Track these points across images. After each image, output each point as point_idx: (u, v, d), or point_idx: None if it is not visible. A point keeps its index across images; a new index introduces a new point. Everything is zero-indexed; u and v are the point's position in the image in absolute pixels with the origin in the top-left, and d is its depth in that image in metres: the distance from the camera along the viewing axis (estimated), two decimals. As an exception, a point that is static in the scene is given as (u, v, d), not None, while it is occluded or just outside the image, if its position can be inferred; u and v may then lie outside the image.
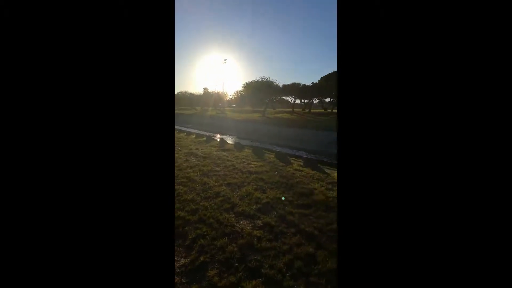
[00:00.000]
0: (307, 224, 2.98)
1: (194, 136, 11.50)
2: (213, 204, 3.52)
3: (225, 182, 4.52)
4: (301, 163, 6.21)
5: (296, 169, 5.53)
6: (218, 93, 40.03)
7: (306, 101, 32.36)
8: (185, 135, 11.77)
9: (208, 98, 39.72)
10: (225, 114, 31.26)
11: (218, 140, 9.95)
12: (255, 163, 6.01)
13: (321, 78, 29.80)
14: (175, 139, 9.93)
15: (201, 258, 2.33)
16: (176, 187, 4.20)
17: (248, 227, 2.91)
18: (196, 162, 6.01)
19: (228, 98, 40.51)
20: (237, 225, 2.97)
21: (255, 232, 2.78)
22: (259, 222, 3.04)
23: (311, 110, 32.11)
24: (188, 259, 2.33)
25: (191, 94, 44.91)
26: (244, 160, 6.33)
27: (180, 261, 2.33)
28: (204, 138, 10.43)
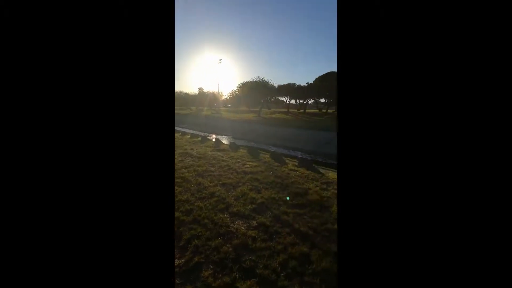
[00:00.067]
0: (301, 224, 2.99)
1: (189, 136, 11.44)
2: (207, 205, 3.51)
3: (220, 182, 4.51)
4: (296, 163, 6.23)
5: (291, 169, 5.55)
6: (213, 93, 39.93)
7: (301, 101, 32.51)
8: (180, 135, 11.70)
9: (203, 98, 39.58)
10: (220, 114, 31.17)
11: (213, 140, 9.92)
12: (250, 163, 6.01)
13: (316, 78, 29.99)
14: (170, 139, 9.83)
15: (196, 259, 2.32)
16: (170, 187, 4.16)
17: (243, 227, 2.91)
18: (191, 163, 5.98)
19: (223, 98, 40.43)
20: (232, 225, 2.97)
21: (249, 232, 2.78)
22: (254, 222, 3.04)
23: (306, 111, 32.29)
24: (183, 260, 2.32)
25: (186, 94, 44.70)
26: (239, 160, 6.32)
27: (175, 262, 2.31)
28: (199, 138, 10.38)
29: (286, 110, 33.46)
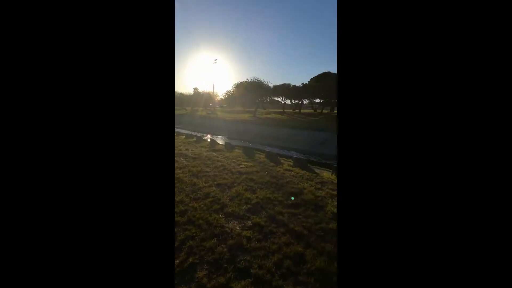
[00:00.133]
0: (296, 224, 3.01)
1: (184, 136, 11.38)
2: (202, 205, 3.49)
3: (215, 182, 4.49)
4: (291, 163, 6.25)
5: (286, 169, 5.56)
6: (208, 93, 39.78)
7: (296, 101, 32.64)
8: (175, 136, 11.63)
9: (199, 98, 39.41)
10: (215, 115, 31.09)
11: (209, 140, 9.88)
12: (246, 163, 6.01)
13: (311, 79, 30.17)
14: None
15: (190, 260, 2.31)
16: (165, 188, 4.14)
17: (238, 228, 2.91)
18: (185, 163, 5.95)
19: (218, 99, 40.29)
20: (227, 225, 2.96)
21: (244, 233, 2.78)
22: (249, 223, 3.04)
23: (301, 111, 32.41)
24: (177, 261, 2.30)
25: (181, 94, 44.37)
26: (234, 160, 6.31)
27: (169, 263, 2.30)
28: (194, 139, 10.33)
29: (282, 110, 33.56)
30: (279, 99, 34.90)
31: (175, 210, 3.34)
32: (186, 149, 7.77)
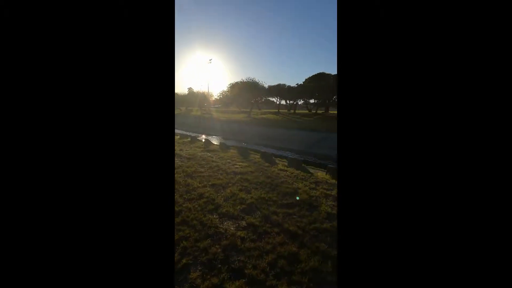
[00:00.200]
0: (290, 224, 3.01)
1: (178, 136, 11.30)
2: (196, 206, 3.47)
3: (210, 183, 4.47)
4: (286, 163, 6.27)
5: (280, 169, 5.57)
6: (203, 93, 39.59)
7: (291, 102, 32.76)
8: (169, 136, 11.52)
9: (193, 98, 39.19)
10: (210, 115, 30.97)
11: (203, 140, 9.84)
12: (240, 163, 6.00)
13: (306, 79, 30.32)
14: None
15: (184, 261, 2.29)
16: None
17: (232, 228, 2.90)
18: (179, 163, 5.90)
19: (213, 99, 40.13)
20: (221, 226, 2.95)
21: (239, 233, 2.77)
22: (243, 223, 3.03)
23: (296, 111, 32.55)
24: (170, 262, 2.28)
25: (176, 93, 44.10)
26: (229, 161, 6.29)
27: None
28: (189, 139, 10.27)
29: (277, 110, 33.63)
30: (274, 99, 34.99)
31: (169, 210, 3.31)
32: (181, 150, 7.72)
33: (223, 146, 8.34)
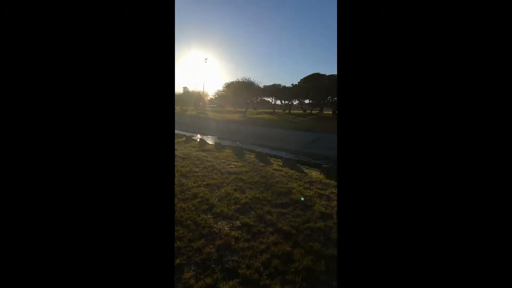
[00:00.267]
0: (284, 223, 3.03)
1: (173, 136, 11.21)
2: (190, 206, 3.46)
3: (204, 183, 4.46)
4: (281, 163, 6.29)
5: (275, 169, 5.59)
6: (198, 92, 39.38)
7: (286, 102, 32.86)
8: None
9: (188, 98, 38.96)
10: (205, 114, 30.84)
11: (198, 140, 9.79)
12: (235, 163, 5.99)
13: (301, 79, 30.47)
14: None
15: (177, 261, 2.28)
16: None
17: (226, 228, 2.90)
18: (174, 163, 5.86)
19: (209, 98, 39.98)
20: (215, 226, 2.94)
21: (233, 233, 2.77)
22: (238, 223, 3.03)
23: (291, 111, 32.67)
24: (163, 263, 2.27)
25: (171, 93, 43.67)
26: (224, 160, 6.28)
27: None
28: (183, 139, 10.21)
29: (272, 110, 33.70)
30: (269, 99, 35.07)
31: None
32: (175, 149, 7.67)
33: (218, 146, 8.32)
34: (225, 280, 2.06)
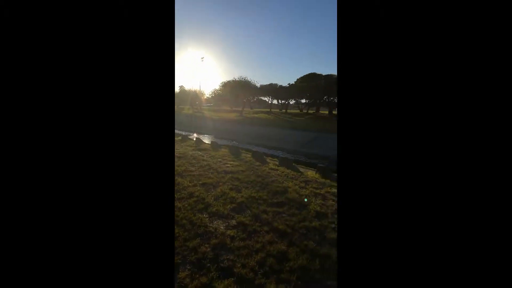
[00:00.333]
0: (280, 222, 3.04)
1: (169, 135, 11.15)
2: (186, 205, 3.45)
3: (200, 182, 4.45)
4: (277, 162, 6.31)
5: (271, 168, 5.60)
6: (195, 91, 39.22)
7: (282, 101, 32.91)
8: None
9: (185, 97, 38.76)
10: (202, 113, 30.74)
11: (194, 139, 9.76)
12: (232, 162, 5.99)
13: (297, 79, 30.53)
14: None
15: (172, 260, 2.28)
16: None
17: (222, 227, 2.90)
18: (170, 162, 5.83)
19: (205, 97, 39.84)
20: (211, 225, 2.94)
21: (228, 232, 2.78)
22: (233, 222, 3.03)
23: (288, 111, 32.73)
24: (158, 262, 2.26)
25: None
26: (220, 160, 6.27)
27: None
28: (180, 138, 10.16)
29: (268, 110, 33.73)
30: (266, 98, 35.08)
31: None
32: (171, 148, 7.63)
33: (214, 145, 8.30)
34: (220, 279, 2.06)
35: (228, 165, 5.74)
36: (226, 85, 32.14)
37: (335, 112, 28.88)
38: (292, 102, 33.02)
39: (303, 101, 31.22)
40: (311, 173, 5.48)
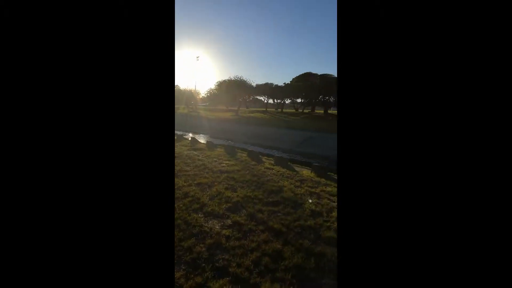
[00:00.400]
0: (275, 221, 3.04)
1: (164, 135, 11.07)
2: (181, 205, 3.43)
3: (195, 182, 4.43)
4: (272, 162, 6.32)
5: (267, 168, 5.61)
6: (190, 90, 38.98)
7: (278, 101, 32.97)
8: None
9: (180, 96, 38.53)
10: (197, 113, 30.59)
11: (190, 139, 9.71)
12: (227, 162, 5.98)
13: (293, 79, 30.60)
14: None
15: (167, 261, 2.26)
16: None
17: (217, 227, 2.89)
18: (165, 162, 5.80)
19: (200, 97, 39.63)
20: (206, 225, 2.93)
21: (224, 232, 2.77)
22: (229, 221, 3.03)
23: (284, 110, 32.81)
24: (153, 262, 2.25)
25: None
26: (215, 159, 6.26)
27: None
28: (175, 137, 10.10)
29: (264, 109, 33.74)
30: (261, 98, 35.08)
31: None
32: (166, 148, 7.58)
33: (209, 145, 8.27)
34: (215, 278, 2.06)
35: (224, 164, 5.73)
36: (221, 84, 31.99)
37: (330, 111, 29.06)
38: (287, 101, 33.11)
39: (299, 100, 31.32)
40: (306, 172, 5.50)
